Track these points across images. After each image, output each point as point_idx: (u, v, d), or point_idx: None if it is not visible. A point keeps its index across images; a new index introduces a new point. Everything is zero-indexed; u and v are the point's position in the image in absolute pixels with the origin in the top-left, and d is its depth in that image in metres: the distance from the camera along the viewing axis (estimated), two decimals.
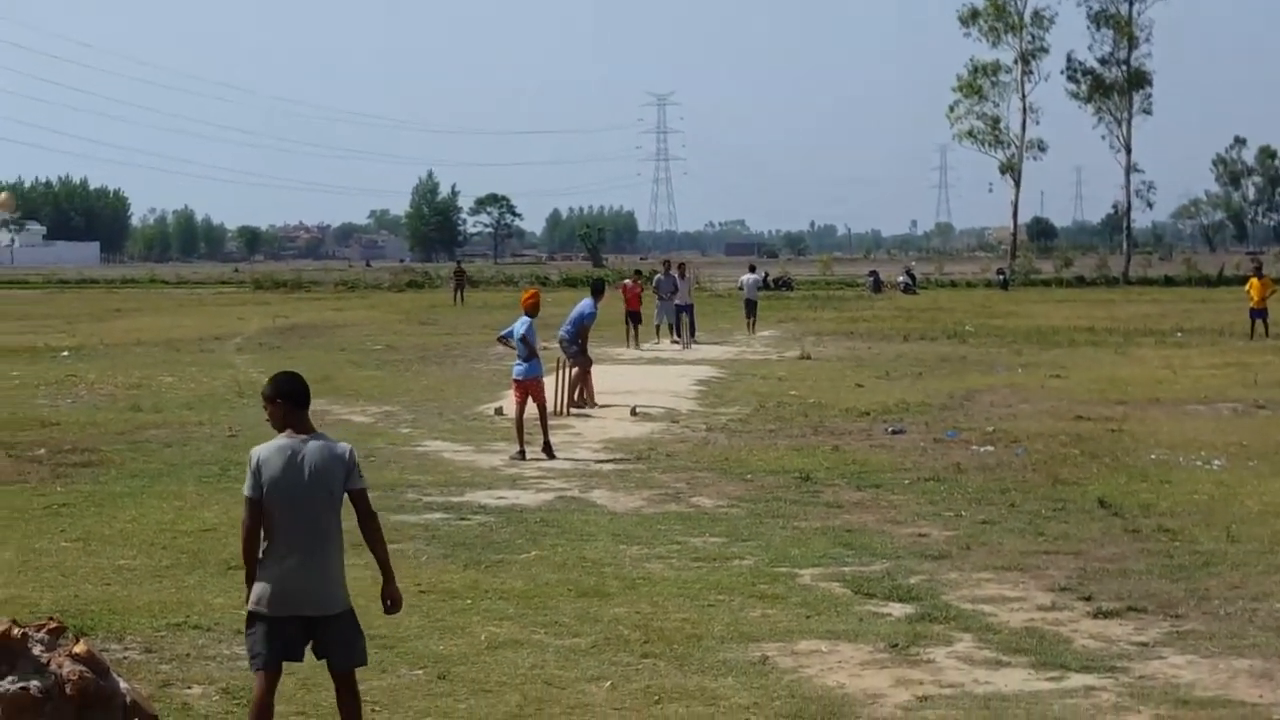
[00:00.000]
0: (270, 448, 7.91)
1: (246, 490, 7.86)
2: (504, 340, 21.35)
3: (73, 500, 16.72)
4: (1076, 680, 9.80)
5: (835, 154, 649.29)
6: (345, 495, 7.94)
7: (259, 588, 7.82)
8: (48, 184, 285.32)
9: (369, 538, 8.11)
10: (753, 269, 57.40)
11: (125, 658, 10.29)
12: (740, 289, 55.14)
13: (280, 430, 7.96)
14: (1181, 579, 12.62)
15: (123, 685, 7.70)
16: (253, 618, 7.85)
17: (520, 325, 20.73)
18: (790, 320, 54.43)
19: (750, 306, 49.83)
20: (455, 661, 10.22)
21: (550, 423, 21.11)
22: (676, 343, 43.20)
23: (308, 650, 7.99)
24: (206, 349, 41.17)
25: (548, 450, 20.32)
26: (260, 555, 7.86)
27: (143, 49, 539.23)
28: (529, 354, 20.56)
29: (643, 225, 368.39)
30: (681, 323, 43.98)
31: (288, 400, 7.96)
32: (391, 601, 8.26)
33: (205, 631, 11.08)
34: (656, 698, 9.41)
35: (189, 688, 9.72)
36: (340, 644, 7.94)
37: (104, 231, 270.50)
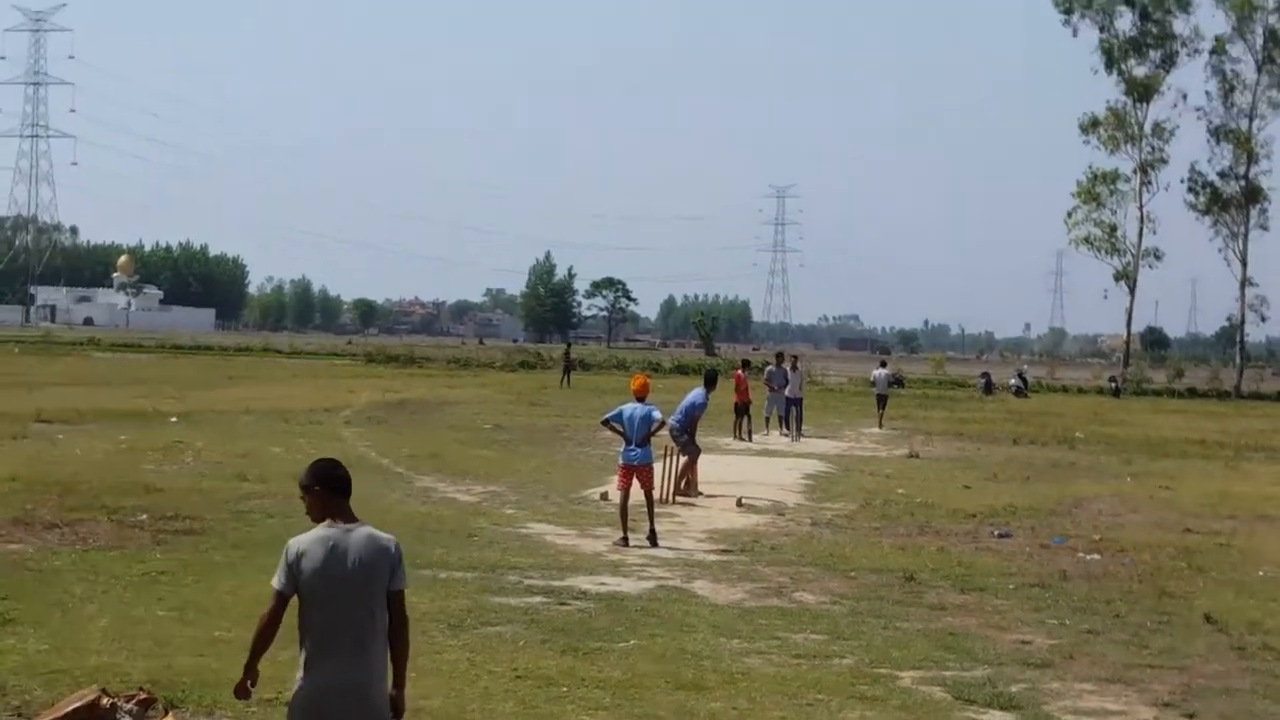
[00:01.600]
0: (310, 538, 7.33)
1: (277, 583, 7.28)
2: (609, 424, 21.36)
3: (172, 568, 16.85)
4: None
5: (952, 254, 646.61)
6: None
7: (297, 695, 7.27)
8: (167, 249, 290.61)
9: (396, 642, 7.38)
10: (884, 364, 57.66)
11: None
12: (872, 384, 55.81)
13: (319, 521, 7.42)
14: None
15: None
16: None
17: (641, 411, 20.79)
18: (900, 418, 54.15)
19: (881, 400, 50.95)
20: None
21: (656, 510, 21.12)
22: (785, 435, 43.17)
23: None
24: (316, 420, 41.54)
25: (653, 538, 20.31)
26: (300, 656, 7.28)
27: (268, 117, 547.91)
28: (643, 439, 20.64)
29: (757, 315, 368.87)
30: (791, 416, 43.96)
31: (326, 488, 7.45)
32: (396, 709, 7.42)
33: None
34: None
35: None
36: None
37: (220, 298, 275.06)
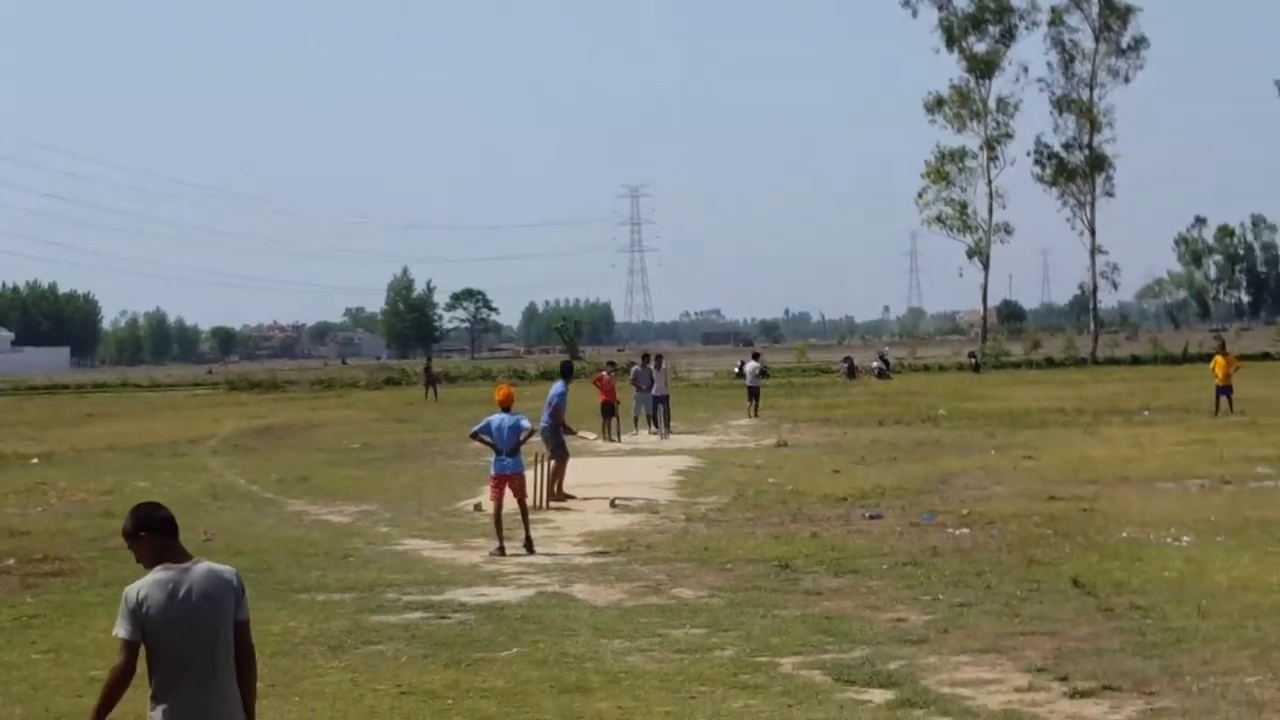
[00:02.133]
0: (147, 583, 7.10)
1: (123, 633, 7.05)
2: (478, 437, 21.43)
3: (43, 611, 16.67)
4: None
5: (808, 242, 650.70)
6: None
7: None
8: (15, 289, 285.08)
9: (243, 674, 7.26)
10: (756, 356, 57.94)
11: None
12: (740, 375, 56.46)
13: (151, 566, 7.19)
14: (1154, 656, 12.73)
15: None
16: None
17: (510, 421, 20.89)
18: (768, 408, 54.56)
19: (752, 392, 51.64)
20: None
21: (531, 517, 21.20)
22: (654, 433, 43.37)
23: None
24: (180, 452, 41.11)
25: (529, 545, 20.38)
26: (150, 693, 7.11)
27: (107, 150, 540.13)
28: (513, 448, 20.74)
29: (619, 317, 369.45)
30: (658, 413, 44.19)
31: (154, 531, 7.23)
32: None
33: None
34: None
35: None
36: None
37: (74, 336, 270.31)
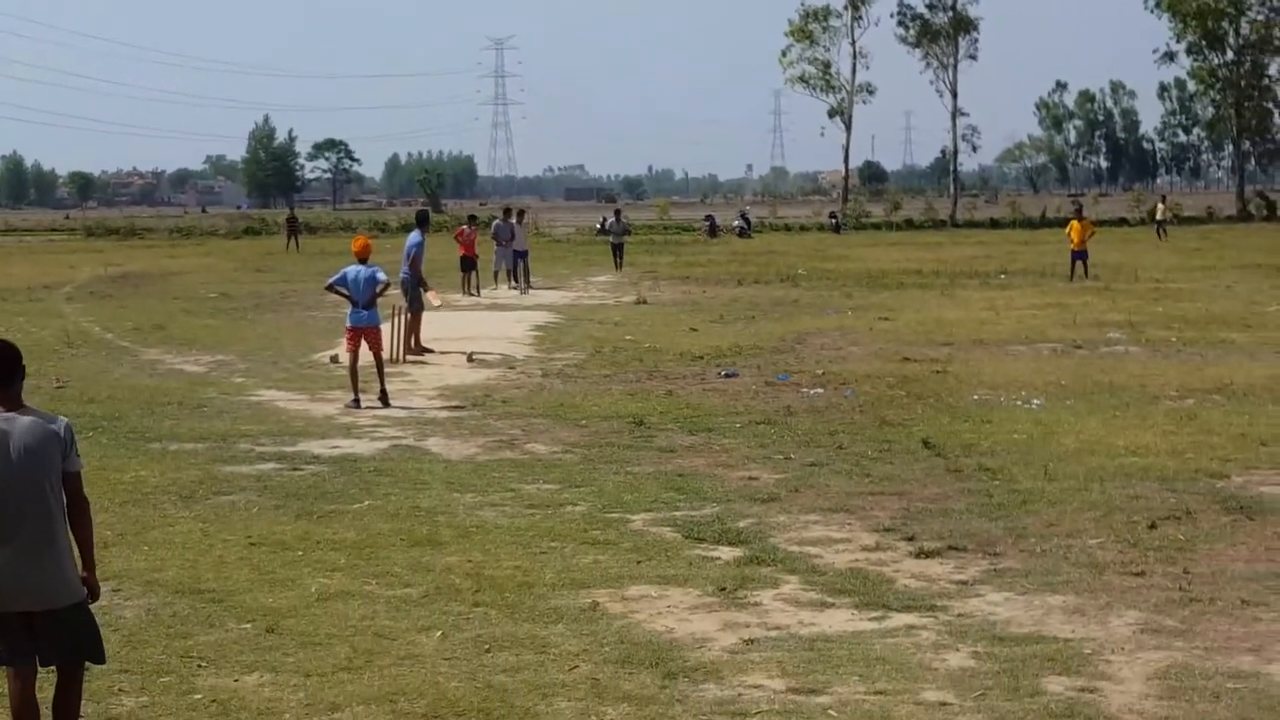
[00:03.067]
0: None
1: None
2: (334, 289, 21.19)
3: None
4: (898, 620, 10.02)
5: (673, 99, 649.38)
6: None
7: None
8: None
9: (76, 525, 7.24)
10: (618, 213, 57.75)
11: None
12: (606, 232, 56.32)
13: None
14: (1000, 518, 12.95)
15: None
16: None
17: (365, 273, 20.66)
18: (627, 265, 54.56)
19: (616, 249, 52.06)
20: (284, 614, 10.18)
21: (386, 370, 21.06)
22: (514, 288, 43.22)
23: None
24: (35, 298, 40.41)
25: (384, 398, 20.28)
26: None
27: None
28: (369, 301, 20.55)
29: (482, 170, 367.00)
30: (518, 269, 44.03)
31: None
32: (90, 591, 7.31)
33: None
34: (487, 646, 9.47)
35: None
36: (61, 639, 7.19)
37: None
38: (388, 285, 21.15)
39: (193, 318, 33.71)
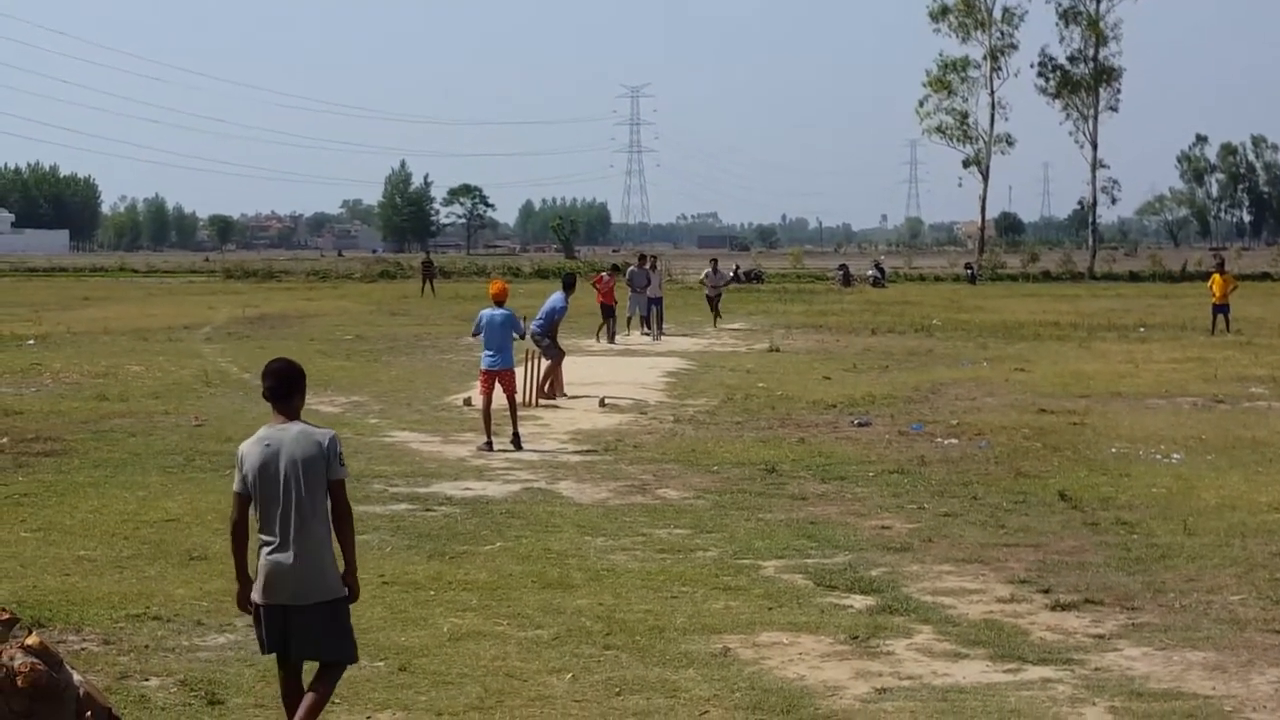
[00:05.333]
0: (250, 441, 8.09)
1: (235, 486, 8.05)
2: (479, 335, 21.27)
3: (34, 490, 16.67)
4: (1033, 672, 9.89)
5: (808, 148, 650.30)
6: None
7: (256, 576, 8.00)
8: (16, 170, 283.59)
9: (340, 528, 8.07)
10: (715, 263, 57.10)
11: (83, 649, 10.29)
12: (702, 283, 54.84)
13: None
14: (1138, 572, 12.75)
15: (76, 678, 7.60)
16: (256, 607, 8.06)
17: (501, 316, 20.79)
18: (760, 313, 54.55)
19: (711, 301, 50.19)
20: (416, 653, 10.24)
21: (519, 414, 21.17)
22: (647, 335, 43.32)
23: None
24: (175, 338, 41.10)
25: (516, 441, 20.37)
26: (259, 542, 8.01)
27: (116, 36, 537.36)
28: (503, 344, 20.68)
29: (616, 217, 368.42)
30: (652, 315, 44.12)
31: (267, 395, 8.13)
32: (350, 591, 8.15)
33: (165, 623, 11.03)
34: (617, 689, 9.46)
35: (146, 680, 9.68)
36: (314, 635, 7.99)
37: (73, 219, 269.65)
38: (521, 336, 21.28)
39: (328, 359, 34.08)
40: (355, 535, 8.21)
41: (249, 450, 8.01)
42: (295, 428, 8.01)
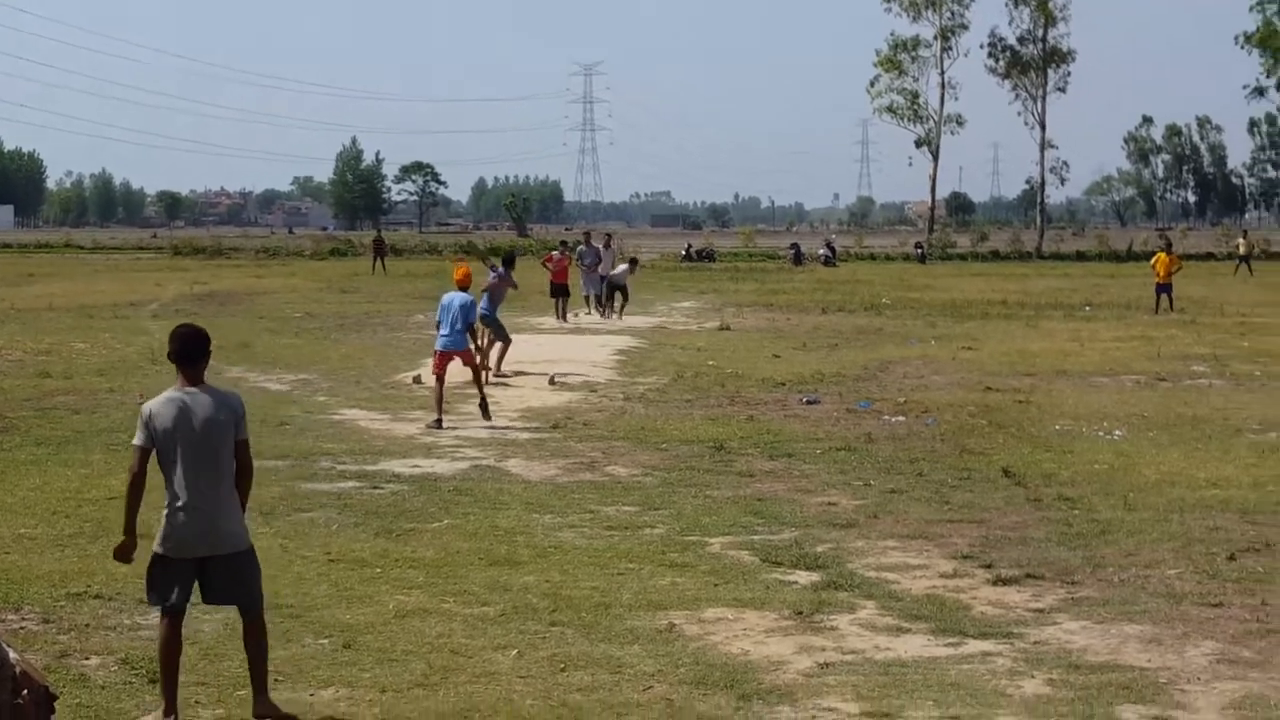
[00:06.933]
0: (159, 400, 8.42)
1: (135, 440, 8.37)
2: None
3: None
4: (974, 646, 9.99)
5: (761, 127, 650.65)
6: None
7: (162, 530, 8.32)
8: None
9: (240, 482, 8.52)
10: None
11: (22, 628, 10.26)
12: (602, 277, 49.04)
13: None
14: (1079, 547, 12.88)
15: (12, 656, 7.47)
16: (155, 559, 8.37)
17: (460, 300, 21.04)
18: (712, 291, 54.60)
19: (611, 290, 43.99)
20: (362, 630, 10.26)
21: (472, 391, 21.31)
22: (601, 314, 42.70)
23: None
24: (121, 315, 40.91)
25: (485, 408, 20.56)
26: (165, 498, 8.33)
27: (60, 8, 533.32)
28: (461, 326, 20.88)
29: (568, 195, 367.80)
30: (608, 295, 43.70)
31: (173, 357, 8.50)
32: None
33: (107, 601, 11.00)
34: (562, 665, 9.50)
35: (87, 659, 9.66)
36: (232, 582, 8.45)
37: (18, 195, 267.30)
38: (470, 327, 21.39)
39: (277, 337, 34.01)
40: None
41: (159, 409, 8.31)
42: (205, 390, 8.40)
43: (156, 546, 8.35)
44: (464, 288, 21.29)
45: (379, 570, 12.09)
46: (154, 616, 8.89)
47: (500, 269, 27.87)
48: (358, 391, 24.30)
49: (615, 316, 42.06)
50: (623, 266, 43.67)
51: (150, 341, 31.67)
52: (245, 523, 8.56)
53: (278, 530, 13.46)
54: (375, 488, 15.79)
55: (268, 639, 8.63)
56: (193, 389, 8.38)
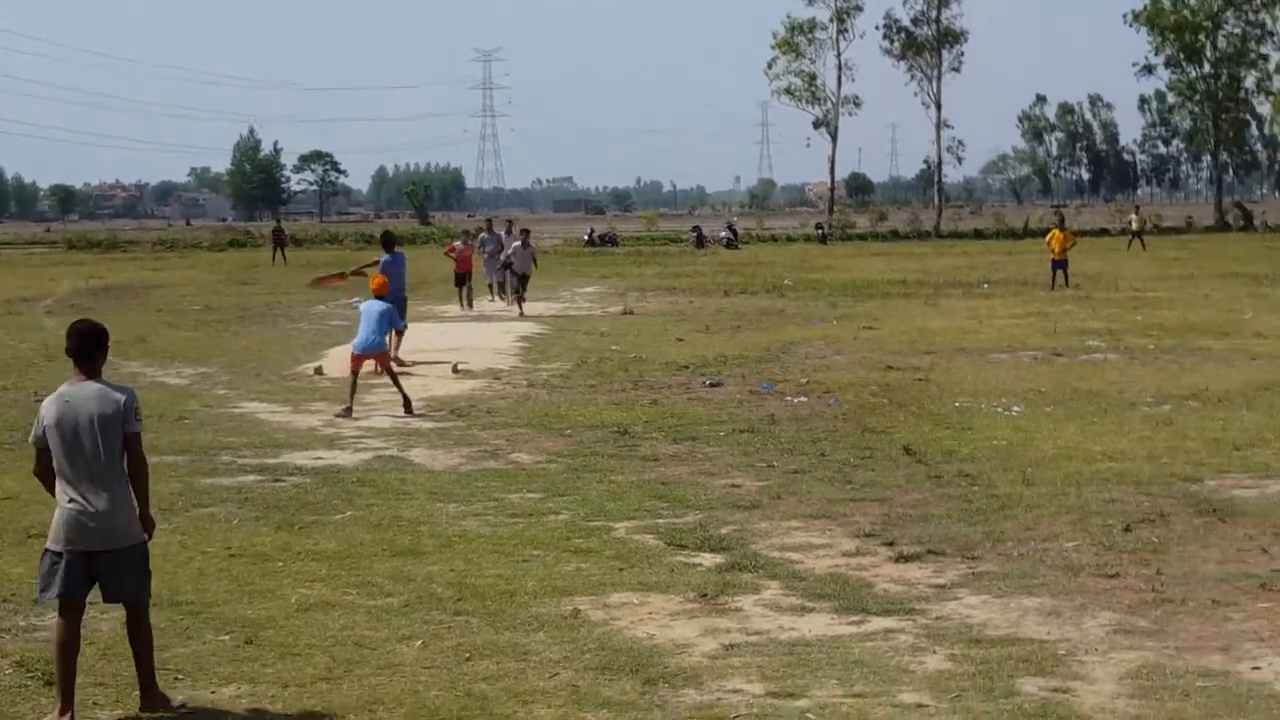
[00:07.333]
0: (51, 397, 8.52)
1: (31, 438, 8.54)
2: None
3: None
4: (877, 624, 10.07)
5: (662, 111, 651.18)
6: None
7: (53, 525, 8.39)
8: None
9: (135, 476, 8.51)
10: (525, 233, 51.02)
11: None
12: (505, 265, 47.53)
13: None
14: (979, 522, 13.02)
15: None
16: (46, 554, 8.44)
17: (379, 307, 21.25)
18: (614, 276, 54.64)
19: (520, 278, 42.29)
20: (264, 625, 10.19)
21: (376, 382, 21.33)
22: (504, 301, 42.22)
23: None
24: (14, 311, 40.41)
25: (407, 406, 20.50)
26: (58, 491, 8.40)
27: None
28: (379, 331, 21.22)
29: (470, 183, 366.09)
30: (507, 281, 43.22)
31: (70, 353, 8.51)
32: (148, 526, 8.63)
33: (2, 603, 10.86)
34: (467, 655, 9.49)
35: None
36: (120, 577, 8.42)
37: None
38: (400, 330, 21.64)
39: (175, 330, 33.70)
40: (150, 485, 8.69)
41: (49, 406, 8.42)
42: (95, 385, 8.42)
43: (49, 542, 8.39)
44: (380, 297, 21.49)
45: (281, 564, 12.01)
46: (50, 618, 8.85)
47: (388, 256, 27.39)
48: (258, 384, 24.13)
49: (514, 303, 41.49)
50: (515, 244, 42.65)
51: (45, 338, 31.25)
52: (138, 519, 8.51)
53: (177, 526, 13.33)
54: (277, 481, 15.68)
55: (152, 633, 8.63)
56: (84, 383, 8.43)
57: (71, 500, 8.30)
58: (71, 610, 8.40)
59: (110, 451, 8.34)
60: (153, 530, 8.70)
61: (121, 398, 8.44)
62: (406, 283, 27.73)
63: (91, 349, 8.52)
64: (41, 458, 8.45)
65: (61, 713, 8.27)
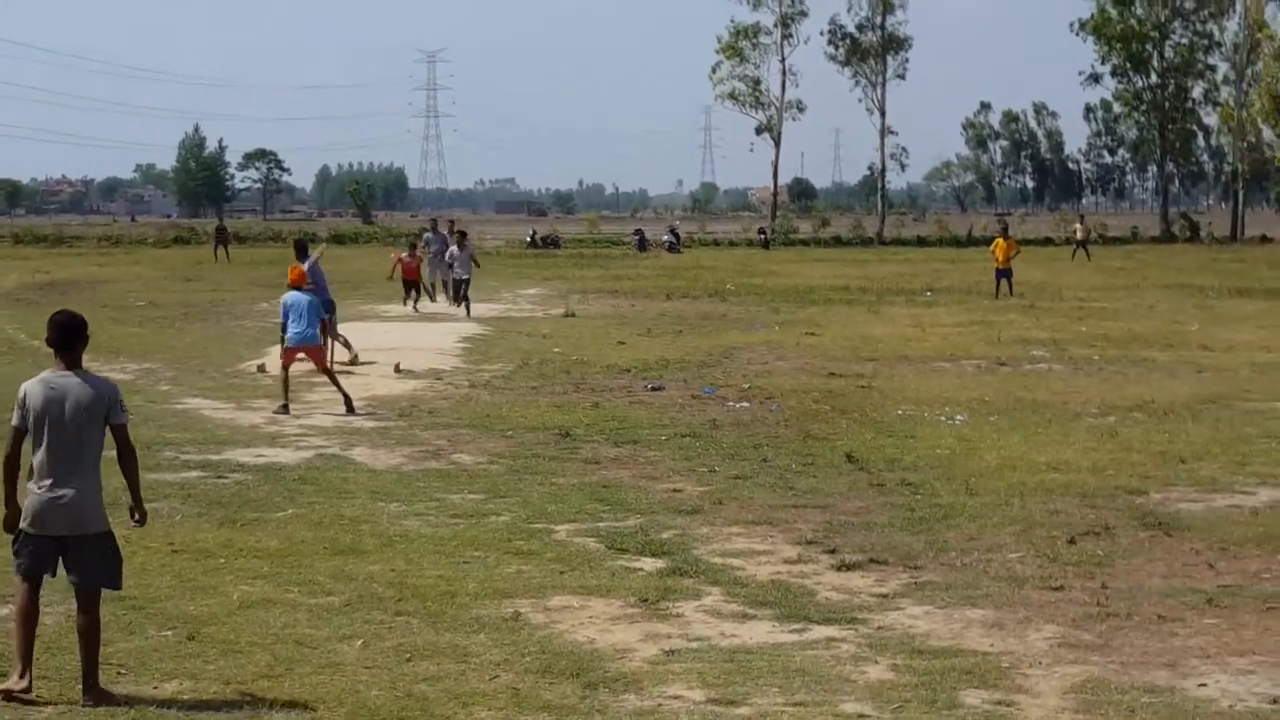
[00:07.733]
0: (34, 381, 8.72)
1: (13, 420, 8.65)
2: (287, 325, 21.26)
3: None
4: (818, 632, 10.09)
5: (605, 114, 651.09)
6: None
7: (26, 507, 8.59)
8: None
9: (124, 466, 8.81)
10: (463, 235, 49.29)
11: None
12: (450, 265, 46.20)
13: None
14: (921, 531, 13.06)
15: None
16: (19, 534, 8.64)
17: (309, 298, 21.06)
18: (557, 278, 54.59)
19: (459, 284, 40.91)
20: (205, 622, 10.15)
21: (318, 380, 21.19)
22: (449, 303, 41.72)
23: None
24: None
25: (349, 405, 20.36)
26: (33, 475, 8.58)
27: None
28: (310, 323, 20.81)
29: (413, 183, 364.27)
30: (449, 284, 42.88)
31: (51, 343, 8.74)
32: (139, 517, 9.08)
33: None
34: (408, 655, 9.47)
35: None
36: (86, 562, 8.61)
37: None
38: (330, 314, 21.44)
39: (120, 326, 33.46)
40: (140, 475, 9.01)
41: (33, 390, 8.62)
42: (78, 375, 8.65)
43: (21, 521, 8.61)
44: (297, 287, 21.26)
45: (223, 561, 11.97)
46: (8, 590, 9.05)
47: (312, 258, 27.05)
48: (202, 380, 24.02)
49: (457, 305, 40.99)
50: (451, 248, 42.07)
51: None
52: (103, 507, 8.74)
53: (119, 522, 13.16)
54: (219, 477, 15.63)
55: (100, 627, 8.71)
56: (67, 373, 8.63)
57: (44, 485, 8.50)
58: (34, 581, 8.65)
59: (89, 441, 8.57)
60: (145, 517, 9.14)
61: (106, 390, 8.67)
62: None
63: (72, 339, 8.73)
64: (18, 441, 8.64)
65: (21, 675, 8.48)
